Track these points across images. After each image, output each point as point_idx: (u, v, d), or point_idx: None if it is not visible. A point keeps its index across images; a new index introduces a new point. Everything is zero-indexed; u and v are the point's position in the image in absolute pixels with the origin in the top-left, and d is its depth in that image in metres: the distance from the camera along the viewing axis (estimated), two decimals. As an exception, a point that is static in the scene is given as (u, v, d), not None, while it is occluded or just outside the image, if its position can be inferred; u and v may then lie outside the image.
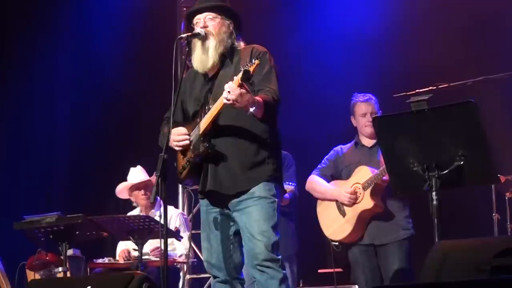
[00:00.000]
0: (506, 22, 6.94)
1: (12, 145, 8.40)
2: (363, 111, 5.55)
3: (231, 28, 4.32)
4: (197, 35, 4.25)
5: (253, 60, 3.90)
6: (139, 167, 6.65)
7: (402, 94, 5.46)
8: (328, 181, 5.61)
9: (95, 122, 8.55)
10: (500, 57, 6.70)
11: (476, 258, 2.90)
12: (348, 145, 5.68)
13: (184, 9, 8.10)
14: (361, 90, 5.81)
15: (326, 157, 5.71)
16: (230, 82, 3.90)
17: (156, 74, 7.79)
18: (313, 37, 7.76)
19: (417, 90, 5.41)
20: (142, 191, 6.51)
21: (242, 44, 4.36)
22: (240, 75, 3.86)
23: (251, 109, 3.97)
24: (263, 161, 4.20)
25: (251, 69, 3.86)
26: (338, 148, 5.71)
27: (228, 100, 3.90)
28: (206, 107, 4.20)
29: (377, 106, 5.58)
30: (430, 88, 5.44)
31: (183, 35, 4.29)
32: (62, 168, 8.70)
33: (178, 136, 4.22)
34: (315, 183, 5.63)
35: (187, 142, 4.23)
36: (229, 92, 3.88)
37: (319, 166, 5.70)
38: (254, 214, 4.14)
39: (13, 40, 8.44)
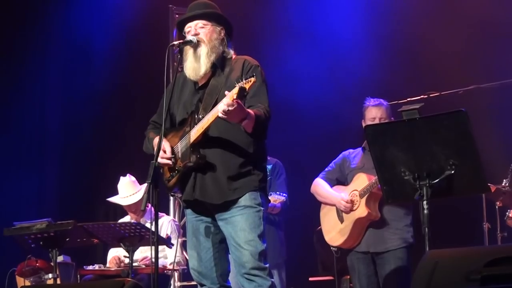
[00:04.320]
0: (498, 32, 6.98)
1: (2, 151, 8.37)
2: (373, 116, 5.49)
3: (222, 34, 4.33)
4: (189, 42, 4.25)
5: (249, 77, 3.89)
6: (128, 178, 6.57)
7: (394, 102, 5.50)
8: (333, 185, 5.59)
9: (86, 128, 8.54)
10: (491, 67, 6.73)
11: (467, 267, 2.90)
12: (357, 150, 5.64)
13: (177, 16, 8.11)
14: (354, 98, 5.81)
15: (334, 160, 5.68)
16: (224, 99, 3.88)
17: (148, 81, 7.79)
18: (306, 44, 7.78)
19: (408, 99, 5.45)
20: (133, 209, 6.49)
21: (232, 52, 4.36)
22: (235, 91, 3.85)
23: (243, 123, 3.99)
24: (249, 172, 4.21)
25: (247, 86, 3.86)
26: (346, 152, 5.67)
27: (224, 114, 3.88)
28: (196, 117, 4.19)
29: (389, 112, 5.50)
30: (422, 97, 5.47)
31: (175, 42, 4.28)
32: (53, 174, 8.67)
33: (162, 160, 4.19)
34: (319, 186, 5.61)
35: (170, 164, 4.22)
36: (225, 106, 3.87)
37: (326, 169, 5.67)
38: (240, 224, 4.15)
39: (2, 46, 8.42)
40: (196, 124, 4.16)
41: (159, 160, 4.17)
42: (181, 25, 4.39)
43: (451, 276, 2.93)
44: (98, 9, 8.36)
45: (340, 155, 5.68)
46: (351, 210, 5.39)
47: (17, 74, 8.46)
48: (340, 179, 5.60)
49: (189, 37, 4.27)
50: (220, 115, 3.90)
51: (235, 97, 3.85)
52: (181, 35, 4.40)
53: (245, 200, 4.17)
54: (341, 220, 5.47)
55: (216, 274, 4.28)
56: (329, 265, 5.85)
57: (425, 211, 3.84)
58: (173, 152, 4.24)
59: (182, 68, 4.39)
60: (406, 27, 7.38)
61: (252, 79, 3.88)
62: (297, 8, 7.94)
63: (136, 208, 6.42)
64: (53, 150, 8.74)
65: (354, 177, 5.47)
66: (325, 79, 7.60)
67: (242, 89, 3.83)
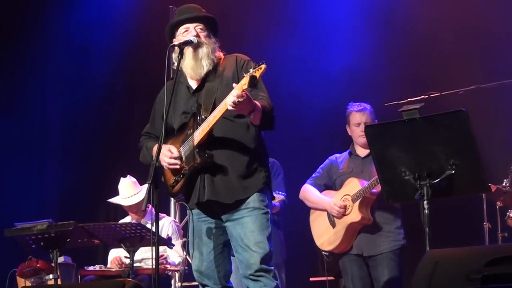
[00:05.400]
0: (498, 32, 6.98)
1: (3, 152, 8.37)
2: (357, 121, 5.55)
3: (216, 38, 4.35)
4: (190, 42, 4.25)
5: (258, 65, 3.87)
6: (129, 179, 6.56)
7: (394, 102, 5.50)
8: (321, 191, 5.62)
9: (86, 129, 8.54)
10: (491, 66, 6.72)
11: (467, 267, 2.90)
12: (343, 154, 5.68)
13: (177, 17, 8.10)
14: (354, 98, 5.81)
15: (321, 166, 5.72)
16: (233, 91, 3.88)
17: (148, 81, 7.78)
18: (304, 43, 7.77)
19: (409, 99, 5.44)
20: (134, 210, 6.49)
21: (221, 55, 4.37)
22: (246, 81, 3.85)
23: (251, 115, 4.00)
24: (256, 169, 4.23)
25: (257, 74, 3.84)
26: (333, 157, 5.72)
27: (234, 106, 3.88)
28: (199, 118, 4.18)
29: (373, 116, 5.56)
30: (422, 97, 5.47)
31: (176, 43, 4.28)
32: (53, 175, 8.67)
33: (170, 160, 4.20)
34: (308, 192, 5.65)
35: (178, 167, 4.22)
36: (235, 98, 3.86)
37: (313, 175, 5.70)
38: (249, 225, 4.17)
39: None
40: (199, 125, 4.16)
41: (169, 160, 4.17)
42: (174, 26, 4.37)
43: (452, 275, 2.93)
44: (99, 9, 8.35)
45: (327, 160, 5.71)
46: (344, 214, 5.41)
47: (17, 76, 8.46)
48: (328, 184, 5.64)
49: (190, 37, 4.26)
50: (230, 107, 3.89)
51: (245, 87, 3.84)
52: (171, 36, 4.37)
53: (253, 201, 4.19)
54: (333, 224, 5.50)
55: (219, 274, 4.29)
56: (330, 265, 5.86)
57: (426, 211, 3.84)
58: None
59: (172, 77, 4.36)
60: (406, 27, 7.37)
61: (263, 66, 3.85)
62: (297, 7, 7.93)
63: (138, 208, 6.42)
64: (53, 151, 8.74)
65: (345, 181, 5.49)
66: (325, 80, 7.59)
67: (253, 78, 3.81)
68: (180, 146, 4.24)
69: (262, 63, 3.87)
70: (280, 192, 5.90)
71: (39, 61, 8.59)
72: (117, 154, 8.37)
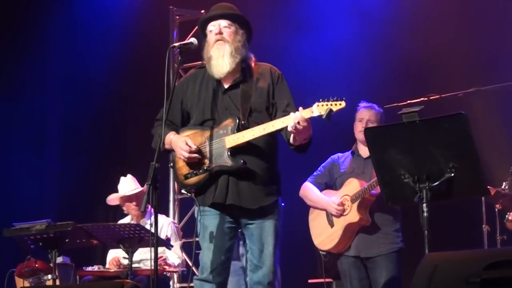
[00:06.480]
0: (498, 34, 6.98)
1: (2, 152, 8.37)
2: (361, 116, 5.53)
3: (244, 37, 4.34)
4: (190, 44, 4.26)
5: (337, 99, 4.00)
6: (129, 176, 6.60)
7: (394, 105, 5.51)
8: (322, 189, 5.61)
9: (85, 129, 8.55)
10: (491, 69, 6.73)
11: (466, 271, 2.90)
12: (346, 153, 5.66)
13: (177, 17, 8.12)
14: (354, 98, 5.79)
15: (323, 164, 5.70)
16: (298, 113, 3.98)
17: (148, 82, 7.79)
18: (304, 42, 7.77)
19: (408, 101, 5.45)
20: (134, 202, 6.49)
21: (253, 58, 4.38)
22: (318, 110, 3.97)
23: (303, 141, 4.11)
24: (275, 176, 4.32)
25: (335, 109, 3.97)
26: (335, 156, 5.70)
27: (295, 130, 3.99)
28: (238, 122, 4.17)
29: (380, 117, 5.52)
30: (422, 99, 5.48)
31: (176, 44, 4.30)
32: (52, 175, 8.67)
33: (191, 154, 4.20)
34: (308, 190, 5.64)
35: (196, 160, 4.22)
36: (298, 122, 3.96)
37: (314, 173, 5.69)
38: (270, 229, 4.25)
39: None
40: (239, 130, 4.16)
41: (186, 155, 4.19)
42: (203, 24, 4.38)
43: (451, 279, 2.93)
44: (99, 9, 8.35)
45: (329, 159, 5.70)
46: (342, 214, 5.41)
47: (16, 76, 8.46)
48: (329, 183, 5.63)
49: (191, 39, 4.28)
50: (290, 128, 4.00)
51: (313, 115, 3.97)
52: (203, 34, 4.39)
53: (274, 205, 4.28)
54: (331, 224, 5.49)
55: (226, 275, 4.30)
56: (329, 267, 5.86)
57: (425, 214, 3.84)
58: (199, 151, 4.24)
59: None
60: (407, 29, 7.37)
61: (343, 103, 3.99)
62: (297, 7, 7.94)
63: (138, 201, 6.40)
64: (53, 151, 8.74)
65: (345, 181, 5.49)
66: (324, 80, 7.58)
67: (331, 111, 3.97)
68: (206, 141, 4.24)
69: (342, 100, 4.00)
70: None
71: (39, 62, 8.59)
72: (117, 154, 8.37)
